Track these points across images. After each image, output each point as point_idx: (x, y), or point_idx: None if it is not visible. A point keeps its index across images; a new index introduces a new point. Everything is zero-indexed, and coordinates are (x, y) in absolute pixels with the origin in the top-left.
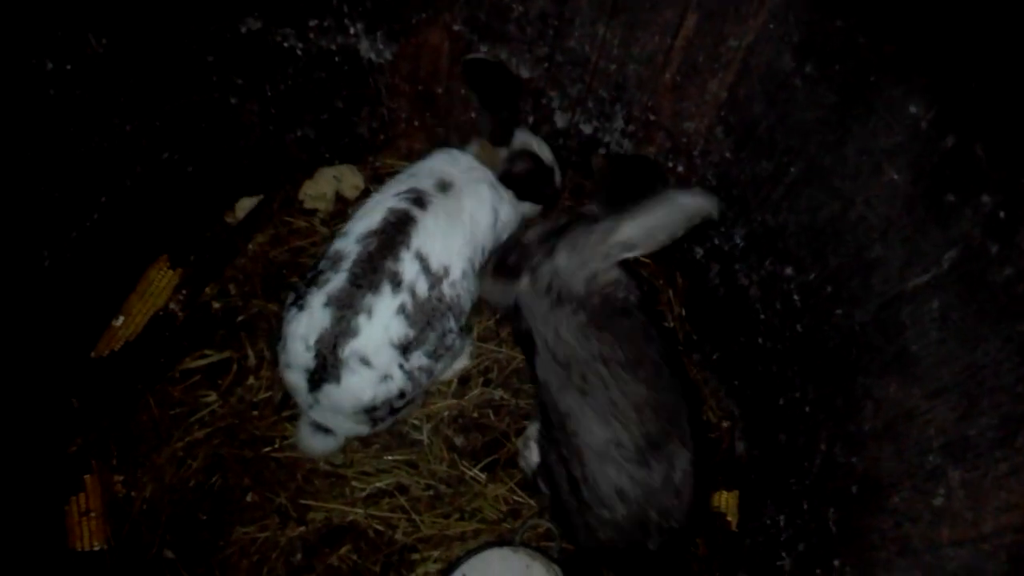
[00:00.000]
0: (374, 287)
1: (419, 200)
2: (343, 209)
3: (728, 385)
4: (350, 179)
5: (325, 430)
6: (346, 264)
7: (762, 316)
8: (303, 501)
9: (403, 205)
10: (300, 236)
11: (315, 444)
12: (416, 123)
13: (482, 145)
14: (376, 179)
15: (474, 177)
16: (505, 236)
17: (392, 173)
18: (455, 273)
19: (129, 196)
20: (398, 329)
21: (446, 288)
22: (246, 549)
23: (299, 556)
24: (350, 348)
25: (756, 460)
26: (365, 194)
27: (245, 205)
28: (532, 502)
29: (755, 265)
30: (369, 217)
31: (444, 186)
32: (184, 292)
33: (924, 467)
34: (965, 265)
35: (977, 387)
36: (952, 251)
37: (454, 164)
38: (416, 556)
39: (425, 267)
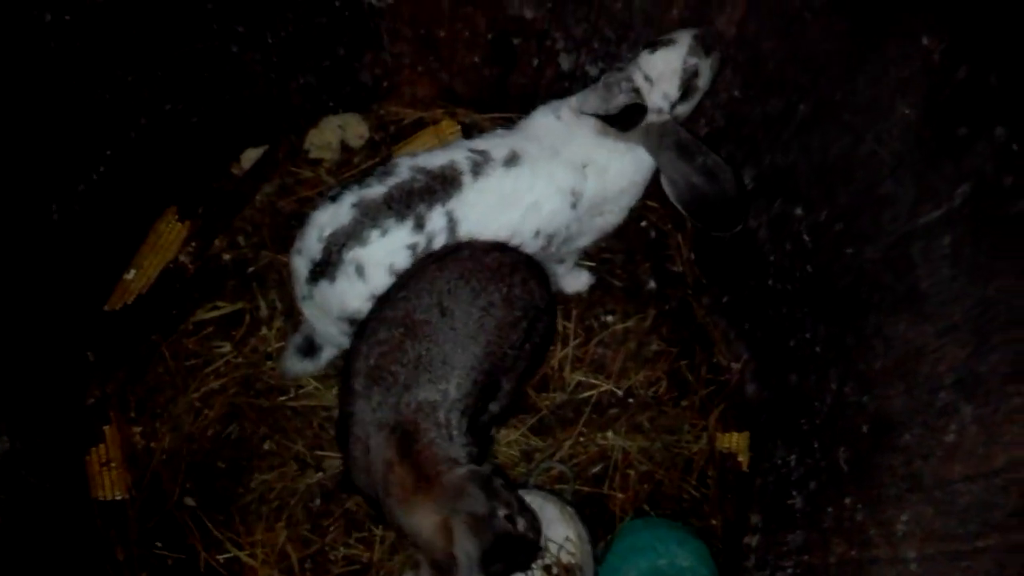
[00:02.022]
0: (399, 216)
1: (477, 167)
2: (349, 158)
3: (738, 328)
4: (355, 128)
5: (307, 352)
6: (391, 181)
7: (771, 258)
8: (319, 452)
9: (463, 165)
10: (307, 186)
11: (296, 365)
12: (419, 68)
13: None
14: (381, 127)
15: (552, 154)
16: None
17: (397, 122)
18: None
19: (135, 148)
20: (401, 261)
21: None
22: (265, 496)
23: (318, 502)
24: (353, 253)
25: (766, 401)
26: (370, 143)
27: (251, 156)
28: (544, 445)
29: (764, 207)
30: (437, 156)
31: (512, 159)
32: (194, 244)
33: (935, 404)
34: (978, 199)
35: (989, 323)
36: (964, 186)
37: (543, 133)
38: None
39: (451, 228)
